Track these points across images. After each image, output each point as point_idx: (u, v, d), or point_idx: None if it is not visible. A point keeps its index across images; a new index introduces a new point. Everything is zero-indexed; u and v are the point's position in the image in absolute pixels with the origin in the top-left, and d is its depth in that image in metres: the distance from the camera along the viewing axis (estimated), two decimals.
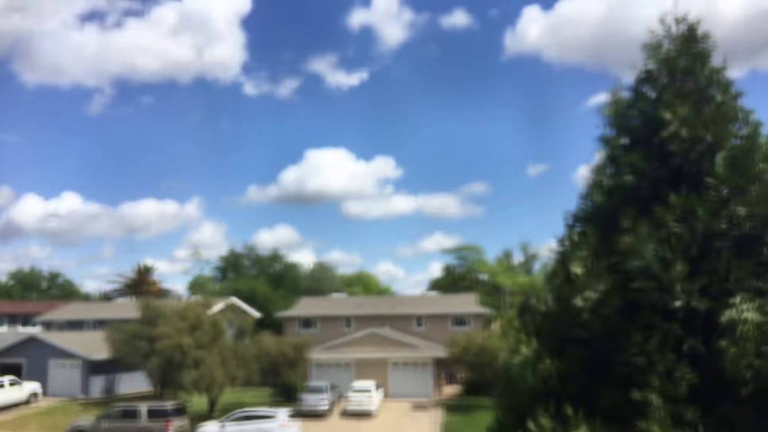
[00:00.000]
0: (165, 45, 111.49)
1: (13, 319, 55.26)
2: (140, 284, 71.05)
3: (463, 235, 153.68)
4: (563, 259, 7.07)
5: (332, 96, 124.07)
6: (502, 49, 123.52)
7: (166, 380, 33.69)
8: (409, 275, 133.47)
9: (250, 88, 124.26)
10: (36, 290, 77.43)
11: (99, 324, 48.16)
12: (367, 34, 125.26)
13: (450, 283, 72.04)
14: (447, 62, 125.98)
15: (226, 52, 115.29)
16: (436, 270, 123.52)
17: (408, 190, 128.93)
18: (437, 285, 72.01)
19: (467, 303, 49.91)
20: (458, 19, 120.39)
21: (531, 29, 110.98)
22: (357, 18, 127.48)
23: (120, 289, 73.01)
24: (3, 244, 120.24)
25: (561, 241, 7.40)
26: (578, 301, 6.36)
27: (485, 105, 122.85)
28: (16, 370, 39.16)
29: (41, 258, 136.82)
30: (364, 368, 39.79)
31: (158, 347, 31.96)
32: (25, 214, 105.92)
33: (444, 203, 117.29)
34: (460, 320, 47.02)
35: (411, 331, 46.52)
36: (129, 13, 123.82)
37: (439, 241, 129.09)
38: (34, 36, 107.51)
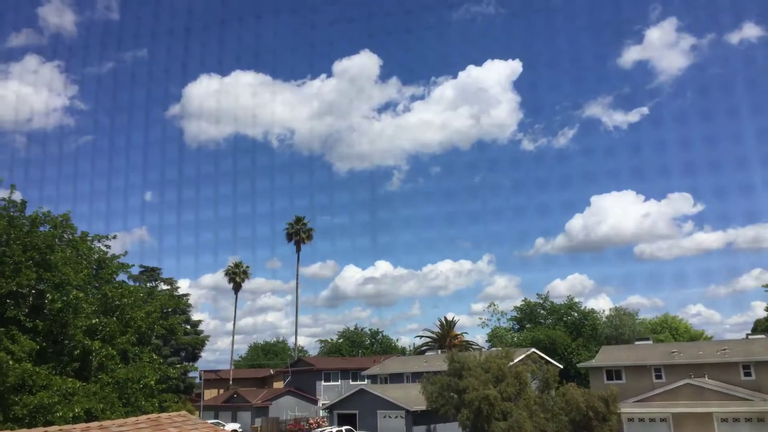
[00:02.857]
0: (446, 118, 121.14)
1: (345, 374, 63.70)
2: (445, 338, 75.85)
3: None
4: None
5: (611, 138, 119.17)
6: None
7: (478, 431, 35.19)
8: (726, 318, 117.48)
9: (527, 144, 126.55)
10: (361, 347, 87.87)
11: (415, 376, 52.59)
12: (643, 68, 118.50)
13: None
14: (738, 81, 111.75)
15: (502, 114, 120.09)
16: (759, 310, 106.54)
17: (713, 226, 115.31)
18: (762, 327, 62.31)
19: None
20: (748, 32, 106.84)
21: None
22: (629, 56, 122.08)
23: (429, 343, 78.78)
24: (332, 308, 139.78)
25: None
26: None
27: None
28: (351, 420, 44.98)
29: (363, 318, 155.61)
30: (683, 423, 36.27)
31: (467, 398, 33.69)
32: (347, 281, 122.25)
33: (759, 235, 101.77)
34: None
35: (736, 381, 41.03)
36: (414, 98, 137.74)
37: (759, 277, 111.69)
38: (342, 131, 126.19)
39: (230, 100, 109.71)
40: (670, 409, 37.03)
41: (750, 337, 50.26)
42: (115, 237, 20.19)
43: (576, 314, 75.33)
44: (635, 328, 72.12)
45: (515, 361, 40.77)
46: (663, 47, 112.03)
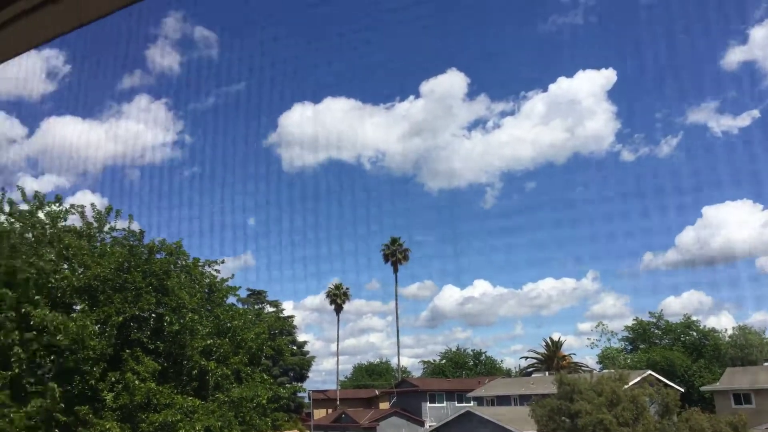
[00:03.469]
0: (538, 133, 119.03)
1: (450, 395, 62.88)
2: (552, 359, 73.22)
3: None
4: None
5: (720, 144, 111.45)
6: None
7: None
8: None
9: (627, 155, 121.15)
10: (464, 368, 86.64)
11: (522, 399, 51.07)
12: (750, 69, 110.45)
13: None
14: None
15: (598, 125, 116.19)
16: None
17: None
18: None
19: None
20: None
21: None
22: (733, 57, 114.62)
23: (535, 365, 76.39)
24: (432, 328, 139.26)
25: None
26: None
27: None
28: None
29: (463, 338, 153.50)
30: None
31: (580, 423, 32.28)
32: (446, 301, 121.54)
33: None
34: None
35: None
36: (504, 113, 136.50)
37: None
38: (431, 150, 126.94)
39: (323, 126, 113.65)
40: None
41: None
42: (223, 262, 21.15)
43: (695, 334, 70.32)
44: (763, 348, 66.29)
45: (630, 384, 38.62)
46: None
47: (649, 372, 50.27)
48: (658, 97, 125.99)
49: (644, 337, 73.30)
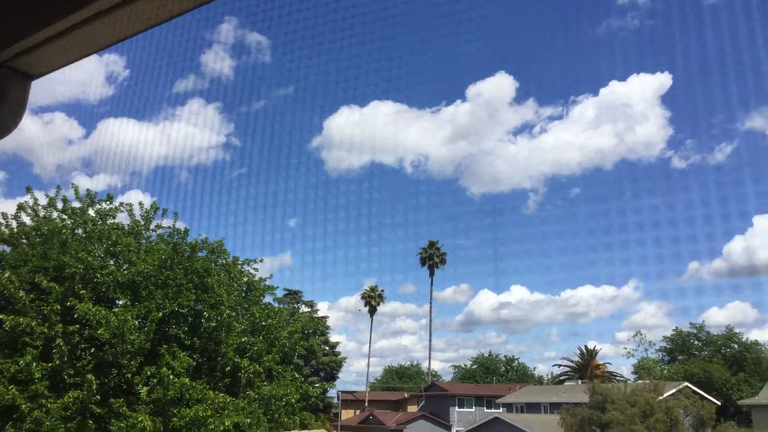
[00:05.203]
0: (587, 138, 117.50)
1: (479, 400, 62.57)
2: (586, 367, 72.18)
3: None
4: None
5: None
6: None
7: None
8: None
9: (678, 161, 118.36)
10: (495, 374, 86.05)
11: (553, 407, 50.54)
12: None
13: None
14: None
15: (650, 130, 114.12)
16: None
17: None
18: None
19: None
20: None
21: None
22: None
23: (567, 372, 75.42)
24: (466, 333, 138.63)
25: None
26: None
27: None
28: None
29: (497, 344, 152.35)
30: None
31: None
32: (482, 306, 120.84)
33: None
34: None
35: None
36: (552, 118, 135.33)
37: None
38: (476, 155, 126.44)
39: (368, 129, 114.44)
40: None
41: None
42: (261, 261, 21.59)
43: (736, 346, 68.44)
44: None
45: (665, 395, 37.95)
46: None
47: (686, 384, 49.17)
48: (715, 103, 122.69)
49: (683, 348, 71.70)
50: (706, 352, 69.17)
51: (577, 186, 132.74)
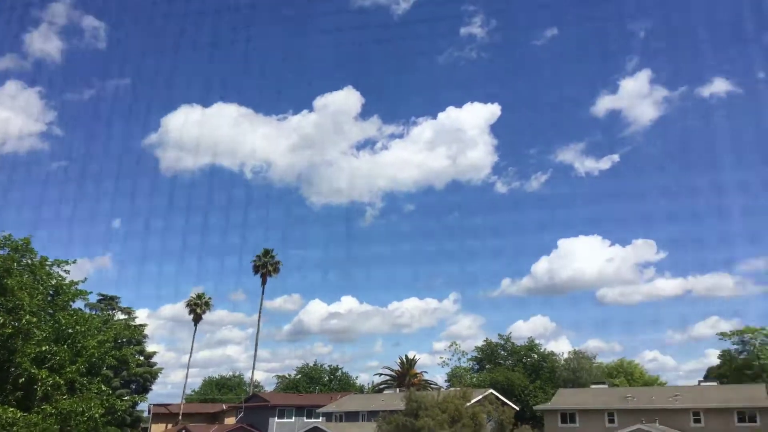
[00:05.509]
0: (424, 158, 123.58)
1: (300, 411, 62.51)
2: (404, 376, 75.38)
3: (744, 317, 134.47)
4: None
5: (582, 183, 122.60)
6: None
7: None
8: (681, 364, 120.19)
9: (500, 186, 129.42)
10: (319, 383, 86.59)
11: (371, 415, 51.91)
12: (615, 117, 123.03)
13: (731, 371, 63.27)
14: (706, 133, 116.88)
15: (479, 155, 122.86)
16: (712, 357, 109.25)
17: (673, 273, 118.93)
18: (715, 374, 63.79)
19: (756, 395, 43.40)
20: (718, 86, 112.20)
21: None
22: (603, 105, 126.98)
23: (388, 381, 78.17)
24: (293, 342, 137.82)
25: None
26: None
27: (753, 172, 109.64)
28: None
29: (323, 354, 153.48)
30: None
31: None
32: (312, 316, 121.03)
33: (717, 283, 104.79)
34: (748, 415, 40.95)
35: (686, 427, 41.79)
36: (394, 136, 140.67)
37: (714, 325, 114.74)
38: (319, 165, 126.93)
39: (210, 131, 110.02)
40: None
41: (702, 384, 51.27)
42: (74, 262, 19.96)
43: (536, 356, 75.88)
44: (592, 371, 72.94)
45: (472, 401, 40.84)
46: (636, 97, 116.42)
47: (491, 391, 53.51)
48: (534, 135, 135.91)
49: (491, 358, 77.80)
50: (510, 362, 75.73)
51: (412, 202, 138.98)
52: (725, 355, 67.59)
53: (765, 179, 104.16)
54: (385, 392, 66.72)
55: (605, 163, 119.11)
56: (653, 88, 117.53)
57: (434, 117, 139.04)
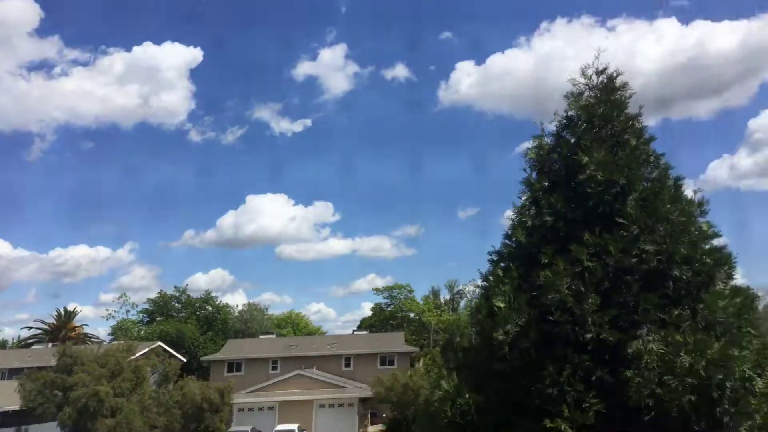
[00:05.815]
0: (110, 92, 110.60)
1: None
2: (61, 330, 67.24)
3: (396, 275, 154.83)
4: (487, 294, 7.24)
5: (276, 143, 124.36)
6: (438, 99, 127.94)
7: (80, 431, 31.80)
8: (341, 315, 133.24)
9: (195, 135, 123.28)
10: None
11: (14, 373, 45.20)
12: (312, 84, 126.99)
13: (379, 322, 71.86)
14: (387, 111, 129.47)
15: (174, 100, 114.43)
16: (366, 310, 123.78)
17: (345, 234, 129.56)
18: (367, 324, 71.71)
19: (395, 342, 49.99)
20: (399, 72, 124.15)
21: (465, 82, 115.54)
22: (303, 69, 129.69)
23: (39, 336, 68.83)
24: None
25: (485, 277, 7.58)
26: (499, 335, 6.50)
27: (421, 152, 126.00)
28: None
29: None
30: (288, 411, 39.27)
31: (72, 396, 30.35)
32: None
33: (379, 245, 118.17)
34: (387, 359, 46.85)
35: (339, 371, 46.03)
36: (77, 63, 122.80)
37: (372, 282, 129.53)
38: None
39: None
40: (277, 398, 39.88)
41: (355, 333, 57.37)
42: None
43: (210, 308, 75.12)
44: (263, 323, 75.36)
45: (137, 355, 38.29)
46: (332, 68, 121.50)
47: (159, 343, 51.10)
48: (234, 88, 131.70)
49: (164, 310, 74.35)
50: (183, 314, 73.49)
51: (92, 139, 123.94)
52: (376, 308, 76.63)
53: (430, 159, 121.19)
54: (33, 348, 58.89)
55: (298, 126, 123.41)
56: (347, 62, 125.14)
57: (128, 50, 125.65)
